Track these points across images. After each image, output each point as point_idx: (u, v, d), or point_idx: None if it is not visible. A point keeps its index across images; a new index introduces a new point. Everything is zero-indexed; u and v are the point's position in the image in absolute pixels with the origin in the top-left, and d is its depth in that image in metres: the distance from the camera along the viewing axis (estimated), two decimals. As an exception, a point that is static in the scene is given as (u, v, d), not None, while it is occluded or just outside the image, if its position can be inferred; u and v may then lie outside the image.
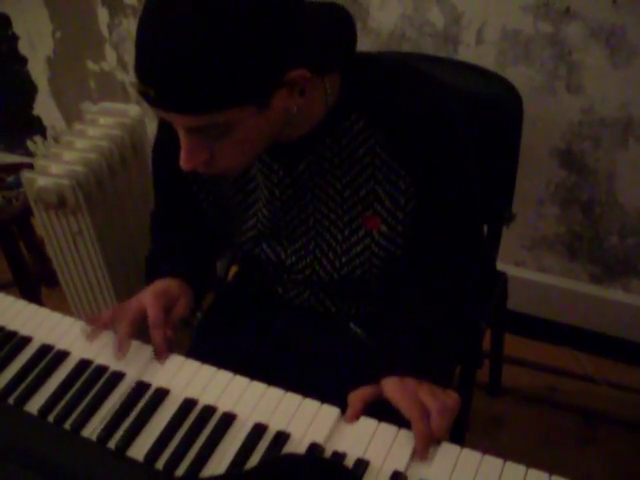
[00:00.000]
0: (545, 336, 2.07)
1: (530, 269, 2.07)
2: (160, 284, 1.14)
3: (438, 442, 0.91)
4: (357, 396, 0.97)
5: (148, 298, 1.09)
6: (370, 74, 1.05)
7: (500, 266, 1.57)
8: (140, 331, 1.08)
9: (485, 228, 1.50)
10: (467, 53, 1.77)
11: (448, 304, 1.11)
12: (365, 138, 1.05)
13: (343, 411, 0.96)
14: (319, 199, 1.11)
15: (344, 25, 1.03)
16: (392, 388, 0.96)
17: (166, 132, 1.10)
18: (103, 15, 2.21)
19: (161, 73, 0.84)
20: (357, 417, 0.95)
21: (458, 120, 1.07)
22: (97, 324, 1.09)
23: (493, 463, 0.88)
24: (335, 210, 1.11)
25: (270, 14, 0.84)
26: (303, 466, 0.69)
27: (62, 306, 1.15)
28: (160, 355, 1.06)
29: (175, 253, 1.25)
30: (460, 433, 1.50)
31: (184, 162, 0.94)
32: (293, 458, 0.77)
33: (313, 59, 0.92)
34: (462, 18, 1.73)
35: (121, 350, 1.05)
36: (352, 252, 1.13)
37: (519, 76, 1.72)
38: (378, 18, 1.82)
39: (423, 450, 0.90)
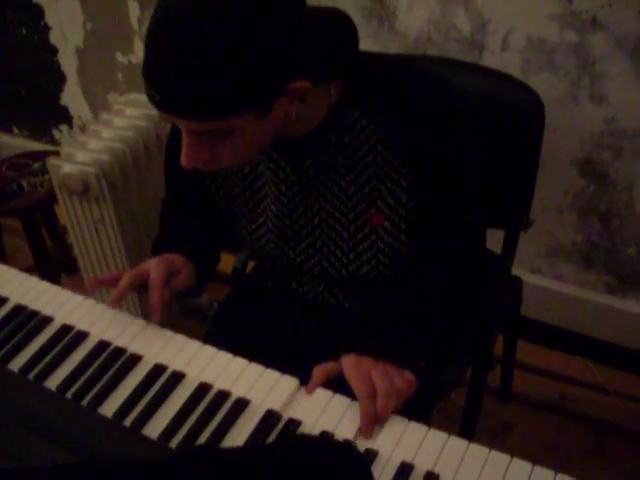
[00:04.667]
0: (557, 344, 2.07)
1: (545, 276, 2.07)
2: (165, 255, 1.19)
3: (383, 421, 0.95)
4: (320, 370, 1.01)
5: (152, 262, 1.14)
6: (372, 72, 1.06)
7: (515, 272, 1.58)
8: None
9: (502, 233, 1.51)
10: (492, 59, 1.78)
11: (427, 294, 1.13)
12: (367, 136, 1.06)
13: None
14: (324, 197, 1.13)
15: (346, 32, 1.04)
16: (348, 366, 1.00)
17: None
18: (134, 8, 2.24)
19: (167, 81, 0.87)
20: (315, 388, 1.00)
21: (461, 119, 1.08)
22: (97, 281, 1.14)
23: (500, 459, 0.89)
24: (340, 208, 1.13)
25: (273, 26, 0.86)
26: (316, 447, 0.71)
27: (80, 293, 1.18)
28: (155, 315, 1.10)
29: (181, 235, 1.28)
30: (468, 435, 1.52)
31: (185, 162, 0.97)
32: (305, 439, 0.78)
33: (315, 69, 0.95)
34: (488, 24, 1.74)
35: (116, 300, 1.11)
36: (359, 249, 1.15)
37: (542, 84, 1.73)
38: (405, 21, 1.84)
39: (366, 428, 0.94)
